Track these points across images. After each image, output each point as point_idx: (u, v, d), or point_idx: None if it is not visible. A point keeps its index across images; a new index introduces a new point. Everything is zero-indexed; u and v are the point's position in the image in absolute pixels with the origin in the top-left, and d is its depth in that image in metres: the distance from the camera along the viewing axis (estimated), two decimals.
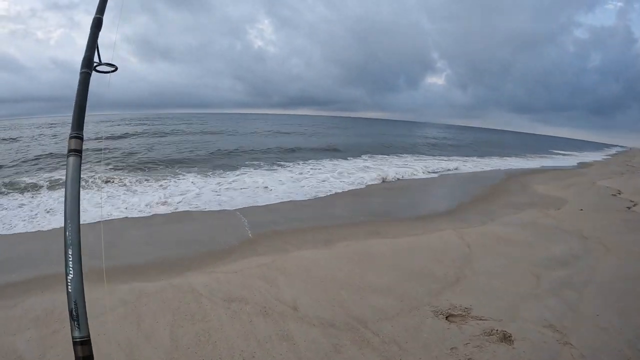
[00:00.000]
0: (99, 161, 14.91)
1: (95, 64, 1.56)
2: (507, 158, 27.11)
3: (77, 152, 1.32)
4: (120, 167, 15.25)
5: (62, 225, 1.26)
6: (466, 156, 26.66)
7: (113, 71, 1.64)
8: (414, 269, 5.46)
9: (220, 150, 22.32)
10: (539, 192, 13.05)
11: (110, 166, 15.38)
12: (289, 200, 10.60)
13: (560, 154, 36.26)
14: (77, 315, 1.14)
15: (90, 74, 1.51)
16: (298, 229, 7.73)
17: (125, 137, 28.48)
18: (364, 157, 22.58)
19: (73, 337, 1.14)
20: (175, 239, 6.96)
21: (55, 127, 40.35)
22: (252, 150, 23.06)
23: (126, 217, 8.42)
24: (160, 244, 6.66)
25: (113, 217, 8.40)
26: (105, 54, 1.63)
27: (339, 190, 12.21)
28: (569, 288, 4.96)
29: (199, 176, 13.65)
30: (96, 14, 1.64)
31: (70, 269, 1.17)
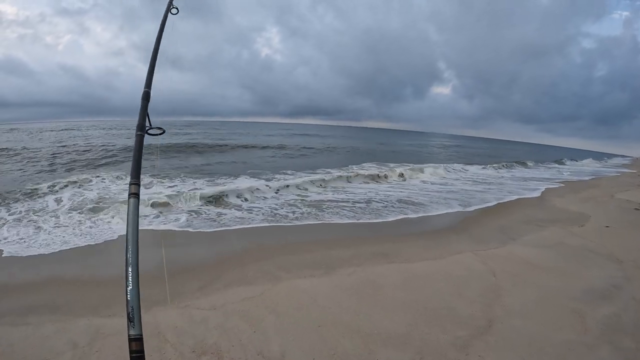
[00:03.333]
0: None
1: (147, 128, 1.88)
2: (515, 168, 26.15)
3: (136, 195, 1.61)
4: None
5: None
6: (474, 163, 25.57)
7: (161, 133, 1.92)
8: (432, 307, 4.34)
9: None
10: (557, 206, 11.81)
11: None
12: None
13: (565, 165, 34.99)
14: (133, 317, 1.35)
15: (143, 136, 1.82)
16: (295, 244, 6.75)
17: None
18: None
19: (129, 335, 1.34)
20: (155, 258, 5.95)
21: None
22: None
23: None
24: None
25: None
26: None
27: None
28: (621, 332, 3.91)
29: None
30: (145, 87, 1.95)
31: (130, 282, 1.39)
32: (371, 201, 11.45)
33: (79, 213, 8.62)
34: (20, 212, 8.61)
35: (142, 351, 1.37)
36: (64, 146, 23.31)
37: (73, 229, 7.47)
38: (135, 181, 1.65)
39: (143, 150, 1.74)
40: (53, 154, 19.58)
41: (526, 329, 3.92)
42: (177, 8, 2.63)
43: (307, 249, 6.51)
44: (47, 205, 9.33)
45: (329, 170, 17.82)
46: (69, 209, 8.91)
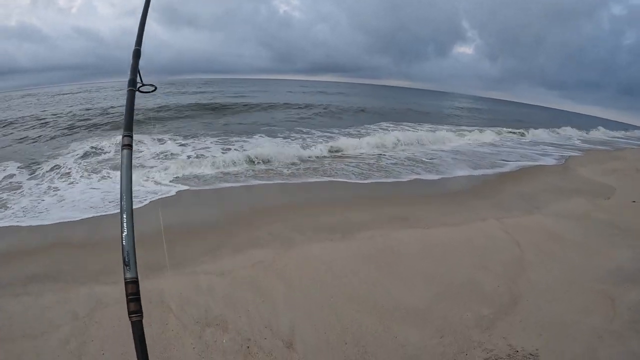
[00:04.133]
0: None
1: (138, 85, 1.83)
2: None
3: (129, 146, 1.57)
4: None
5: None
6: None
7: (153, 90, 1.89)
8: (455, 280, 4.01)
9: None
10: (582, 176, 11.16)
11: None
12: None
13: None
14: (129, 261, 1.29)
15: (134, 92, 1.78)
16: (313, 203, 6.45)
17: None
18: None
19: (125, 279, 1.27)
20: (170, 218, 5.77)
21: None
22: None
23: None
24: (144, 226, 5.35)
25: None
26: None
27: None
28: None
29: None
30: (135, 45, 1.94)
31: (125, 228, 1.35)
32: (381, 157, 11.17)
33: (95, 174, 8.46)
34: (40, 177, 8.41)
35: (137, 294, 1.33)
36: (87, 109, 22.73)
37: (89, 193, 7.26)
38: (128, 133, 1.66)
39: (136, 106, 1.77)
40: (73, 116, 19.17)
41: (552, 311, 3.58)
42: None
43: (324, 210, 6.19)
44: (65, 168, 9.08)
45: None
46: (86, 172, 8.69)
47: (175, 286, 3.65)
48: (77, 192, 7.21)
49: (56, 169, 8.88)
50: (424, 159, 11.83)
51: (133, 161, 1.57)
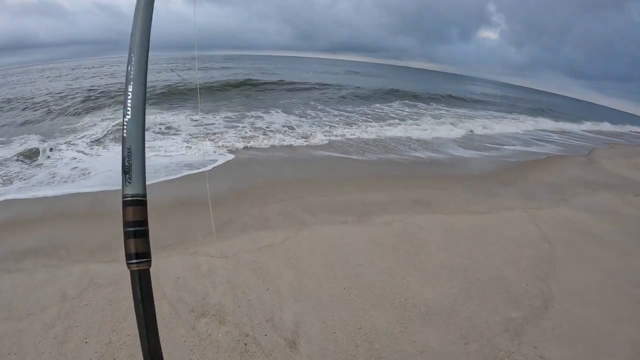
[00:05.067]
0: None
1: None
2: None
3: None
4: None
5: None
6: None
7: None
8: (481, 275, 3.59)
9: None
10: (608, 170, 10.49)
11: None
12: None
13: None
14: (130, 168, 0.85)
15: None
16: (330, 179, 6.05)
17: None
18: None
19: (123, 195, 0.84)
20: (177, 194, 5.45)
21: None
22: None
23: None
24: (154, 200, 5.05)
25: None
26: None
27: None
28: None
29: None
30: None
31: (129, 109, 0.88)
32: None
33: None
34: (60, 149, 8.13)
35: (145, 223, 0.87)
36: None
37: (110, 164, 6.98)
38: None
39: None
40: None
41: (585, 318, 3.13)
42: None
43: (339, 189, 5.77)
44: (84, 137, 8.85)
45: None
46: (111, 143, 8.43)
47: (174, 267, 3.32)
48: (99, 163, 6.94)
49: (77, 140, 8.56)
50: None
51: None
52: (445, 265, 3.71)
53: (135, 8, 0.98)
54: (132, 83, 0.90)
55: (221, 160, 7.27)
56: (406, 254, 3.85)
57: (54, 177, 6.17)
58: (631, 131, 27.70)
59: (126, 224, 0.86)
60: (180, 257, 3.52)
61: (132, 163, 0.86)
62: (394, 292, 3.20)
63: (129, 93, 0.90)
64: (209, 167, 6.80)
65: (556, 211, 5.82)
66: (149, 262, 0.86)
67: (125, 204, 0.86)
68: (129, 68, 0.92)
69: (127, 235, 0.86)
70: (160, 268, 3.30)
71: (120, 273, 3.25)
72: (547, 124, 20.52)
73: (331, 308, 2.93)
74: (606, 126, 26.06)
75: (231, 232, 4.12)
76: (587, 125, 24.06)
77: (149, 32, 0.97)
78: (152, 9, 1.00)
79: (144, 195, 0.88)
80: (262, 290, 3.07)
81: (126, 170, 0.86)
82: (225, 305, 2.83)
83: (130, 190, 0.85)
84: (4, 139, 8.73)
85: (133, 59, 0.92)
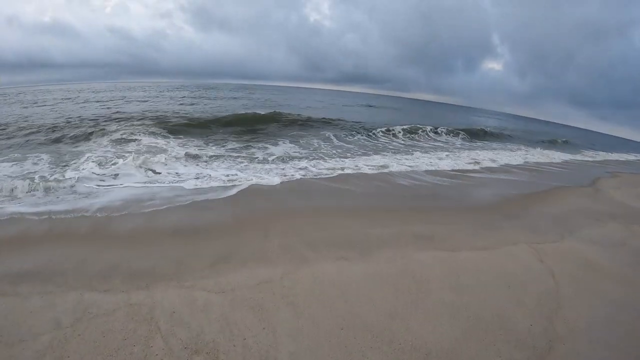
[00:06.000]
0: None
1: None
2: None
3: None
4: None
5: None
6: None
7: None
8: (483, 313, 3.48)
9: None
10: (615, 199, 10.36)
11: None
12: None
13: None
14: None
15: None
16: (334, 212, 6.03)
17: None
18: None
19: None
20: (176, 224, 5.42)
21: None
22: None
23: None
24: (155, 235, 4.96)
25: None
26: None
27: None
28: None
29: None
30: None
31: None
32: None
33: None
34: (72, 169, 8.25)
35: None
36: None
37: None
38: None
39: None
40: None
41: (592, 358, 3.04)
42: None
43: (341, 223, 5.67)
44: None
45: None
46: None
47: (170, 301, 3.24)
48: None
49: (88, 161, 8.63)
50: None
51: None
52: (446, 303, 3.60)
53: None
54: None
55: (229, 189, 7.26)
56: (407, 292, 3.74)
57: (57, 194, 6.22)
58: (636, 158, 27.68)
59: None
60: (176, 290, 3.45)
61: None
62: (393, 333, 3.09)
63: None
64: (215, 196, 6.78)
65: (561, 244, 5.70)
66: None
67: None
68: None
69: None
70: (156, 301, 3.23)
71: (116, 303, 3.19)
72: (553, 154, 20.51)
73: (327, 350, 2.82)
74: (610, 155, 26.05)
75: (231, 265, 4.05)
76: (590, 154, 24.09)
77: None
78: None
79: None
80: (259, 328, 2.98)
81: None
82: (220, 343, 2.75)
83: None
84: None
85: None
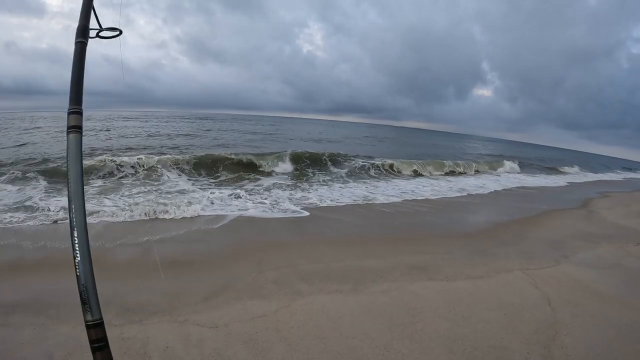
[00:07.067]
0: None
1: (97, 31, 1.35)
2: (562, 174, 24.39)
3: (78, 128, 1.15)
4: None
5: None
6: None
7: (117, 35, 1.36)
8: (479, 344, 3.41)
9: None
10: (606, 220, 10.38)
11: None
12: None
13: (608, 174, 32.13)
14: (88, 298, 1.06)
15: (86, 44, 1.27)
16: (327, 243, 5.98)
17: None
18: None
19: (86, 322, 1.05)
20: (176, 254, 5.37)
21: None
22: None
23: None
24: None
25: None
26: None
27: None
28: None
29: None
30: None
31: (77, 252, 1.07)
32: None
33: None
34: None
35: (104, 339, 1.08)
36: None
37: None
38: (76, 108, 1.16)
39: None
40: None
41: None
42: None
43: (335, 257, 5.63)
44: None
45: None
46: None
47: (163, 336, 3.18)
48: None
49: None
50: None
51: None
52: (442, 335, 3.54)
53: (67, 160, 1.12)
54: (76, 228, 1.09)
55: (221, 219, 7.26)
56: (402, 325, 3.68)
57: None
58: (626, 178, 28.07)
59: (91, 341, 1.07)
60: (170, 325, 3.39)
61: (89, 296, 1.07)
62: None
63: (75, 238, 1.08)
64: (209, 226, 6.77)
65: (556, 270, 5.68)
66: None
67: (88, 327, 1.06)
68: (72, 215, 1.09)
69: (92, 350, 1.07)
70: (150, 336, 3.17)
71: (109, 334, 3.13)
72: (547, 178, 20.78)
73: None
74: (599, 175, 26.44)
75: (225, 299, 3.99)
76: (580, 176, 24.44)
77: (82, 180, 1.13)
78: (82, 160, 1.15)
79: (101, 318, 1.09)
80: None
81: (85, 302, 1.06)
82: None
83: (90, 317, 1.06)
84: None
85: (74, 206, 1.10)
